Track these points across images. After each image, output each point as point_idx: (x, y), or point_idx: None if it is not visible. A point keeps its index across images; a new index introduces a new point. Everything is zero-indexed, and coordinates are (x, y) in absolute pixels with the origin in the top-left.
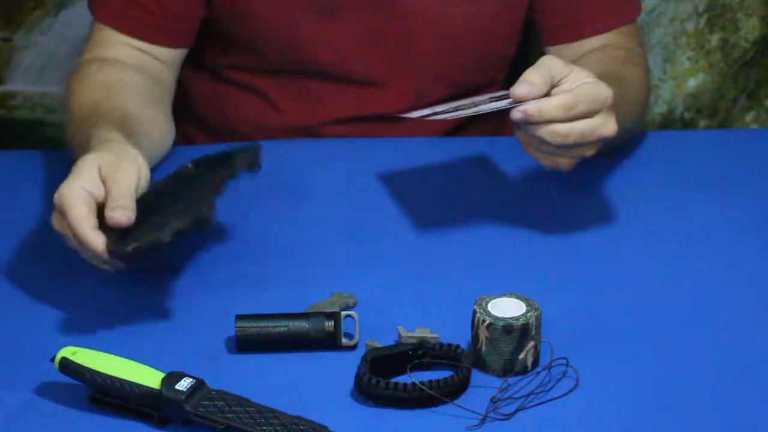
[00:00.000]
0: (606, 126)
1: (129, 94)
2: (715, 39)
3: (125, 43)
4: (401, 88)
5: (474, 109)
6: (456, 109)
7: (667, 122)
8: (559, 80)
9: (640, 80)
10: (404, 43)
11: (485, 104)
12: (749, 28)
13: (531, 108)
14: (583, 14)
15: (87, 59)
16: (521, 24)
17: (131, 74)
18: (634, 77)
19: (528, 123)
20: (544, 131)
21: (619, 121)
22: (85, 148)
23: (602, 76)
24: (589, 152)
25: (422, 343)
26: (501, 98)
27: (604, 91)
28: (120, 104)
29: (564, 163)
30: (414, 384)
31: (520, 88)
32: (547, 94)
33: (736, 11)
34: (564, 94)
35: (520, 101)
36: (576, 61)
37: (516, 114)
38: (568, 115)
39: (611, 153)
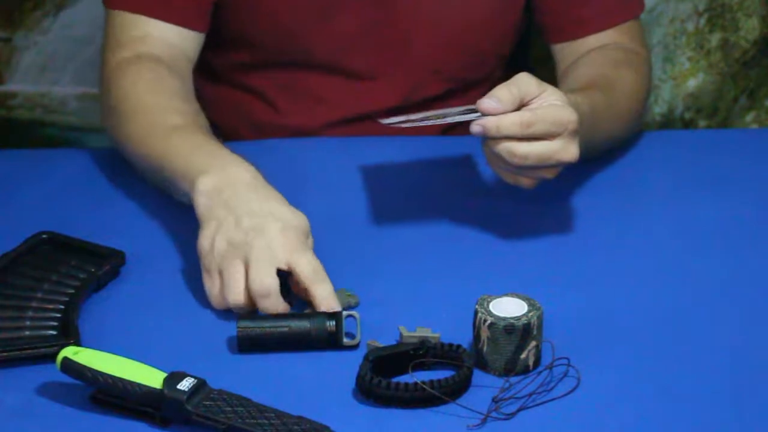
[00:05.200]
0: (566, 151)
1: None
2: (715, 39)
3: (158, 38)
4: (397, 82)
5: (443, 120)
6: (426, 118)
7: (667, 122)
8: (530, 99)
9: (633, 82)
10: (403, 35)
11: (455, 116)
12: (749, 28)
13: (489, 123)
14: (583, 13)
15: (134, 55)
16: (518, 22)
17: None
18: (627, 80)
19: (486, 137)
20: (503, 149)
21: (602, 130)
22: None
23: (589, 84)
24: (549, 175)
25: (424, 342)
26: (471, 111)
27: (566, 115)
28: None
29: (525, 182)
30: (416, 383)
31: (486, 103)
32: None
33: (736, 11)
34: (523, 111)
35: (485, 114)
36: (575, 62)
37: (475, 127)
38: (524, 133)
39: (603, 155)
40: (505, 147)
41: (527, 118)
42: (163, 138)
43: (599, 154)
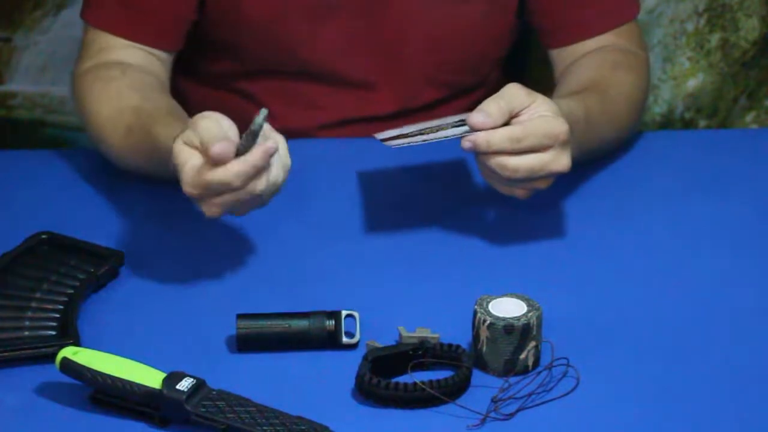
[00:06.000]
0: (557, 162)
1: (165, 93)
2: (715, 39)
3: (128, 46)
4: (391, 89)
5: (437, 134)
6: (422, 132)
7: (667, 122)
8: (519, 111)
9: (630, 85)
10: (394, 44)
11: (448, 129)
12: (749, 28)
13: (480, 138)
14: (581, 16)
15: (95, 65)
16: (511, 25)
17: (146, 75)
18: (624, 83)
19: (477, 153)
20: (494, 163)
21: (598, 134)
22: (157, 147)
23: (585, 87)
24: (543, 185)
25: (423, 343)
26: (462, 123)
27: (557, 127)
28: (164, 103)
29: (519, 192)
30: (415, 384)
31: (475, 117)
32: (506, 124)
33: (736, 11)
34: (513, 126)
35: (475, 129)
36: (572, 63)
37: (465, 143)
38: (515, 147)
39: (601, 158)
40: (497, 161)
41: (517, 133)
42: (125, 151)
43: (596, 157)
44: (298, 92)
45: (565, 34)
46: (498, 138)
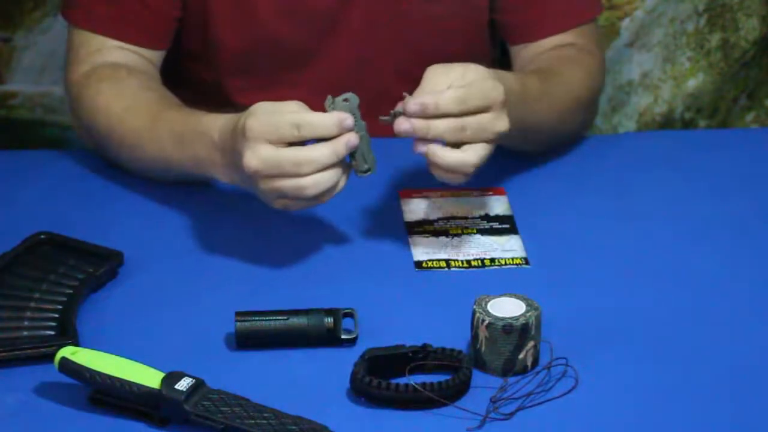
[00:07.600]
0: (497, 122)
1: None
2: (715, 39)
3: (119, 48)
4: (362, 83)
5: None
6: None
7: (667, 122)
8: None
9: (576, 78)
10: (364, 37)
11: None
12: (749, 28)
13: (429, 99)
14: (539, 15)
15: (92, 68)
16: (485, 25)
17: (148, 77)
18: (570, 76)
19: (425, 116)
20: (443, 126)
21: (534, 114)
22: (196, 131)
23: (529, 72)
24: (485, 151)
25: (424, 346)
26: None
27: (494, 89)
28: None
29: (457, 179)
30: (406, 385)
31: (414, 106)
32: None
33: (736, 11)
34: (457, 89)
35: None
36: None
37: (413, 106)
38: (461, 109)
39: (544, 148)
40: (446, 124)
41: (462, 94)
42: (149, 138)
43: (536, 141)
44: (269, 84)
45: (527, 31)
46: (445, 100)
